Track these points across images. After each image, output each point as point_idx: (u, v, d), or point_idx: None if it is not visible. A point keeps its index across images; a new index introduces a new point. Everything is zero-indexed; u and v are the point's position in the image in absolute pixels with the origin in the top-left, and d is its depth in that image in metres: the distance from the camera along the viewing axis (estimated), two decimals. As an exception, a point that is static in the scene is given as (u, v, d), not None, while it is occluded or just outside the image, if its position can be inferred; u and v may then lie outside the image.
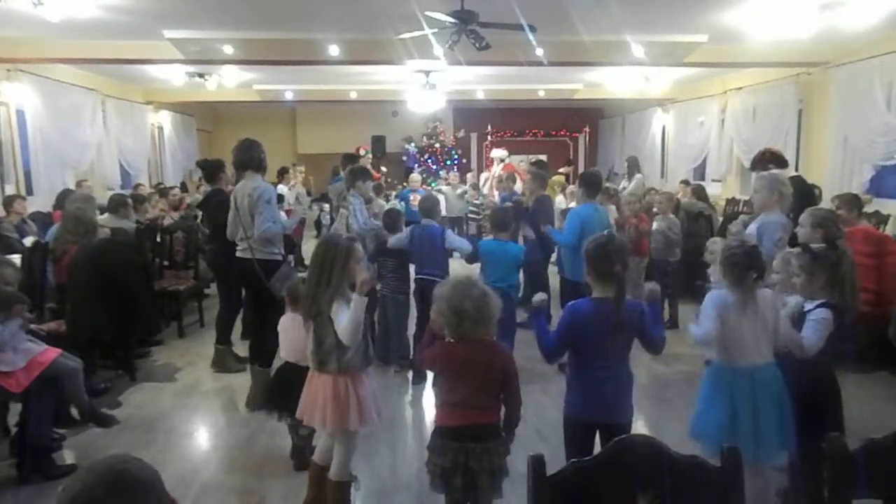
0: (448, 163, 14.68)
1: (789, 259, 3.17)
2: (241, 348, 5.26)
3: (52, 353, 3.70)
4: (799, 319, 2.90)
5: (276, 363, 3.85)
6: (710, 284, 4.27)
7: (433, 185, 11.71)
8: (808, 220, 3.75)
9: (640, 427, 3.99)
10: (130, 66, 8.75)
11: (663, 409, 4.41)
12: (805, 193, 4.85)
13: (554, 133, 15.73)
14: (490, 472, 2.46)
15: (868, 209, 6.90)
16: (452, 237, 5.15)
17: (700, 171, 11.64)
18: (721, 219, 7.84)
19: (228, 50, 7.28)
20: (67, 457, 3.75)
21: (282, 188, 8.94)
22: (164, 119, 12.52)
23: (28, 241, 5.83)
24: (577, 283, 4.40)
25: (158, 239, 6.47)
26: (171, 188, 10.25)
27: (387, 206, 6.73)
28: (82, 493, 1.18)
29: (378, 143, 14.58)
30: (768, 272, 3.13)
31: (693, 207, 7.54)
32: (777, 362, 2.81)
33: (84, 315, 4.51)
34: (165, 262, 6.39)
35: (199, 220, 7.44)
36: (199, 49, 7.22)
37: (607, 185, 5.83)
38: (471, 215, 10.01)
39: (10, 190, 7.50)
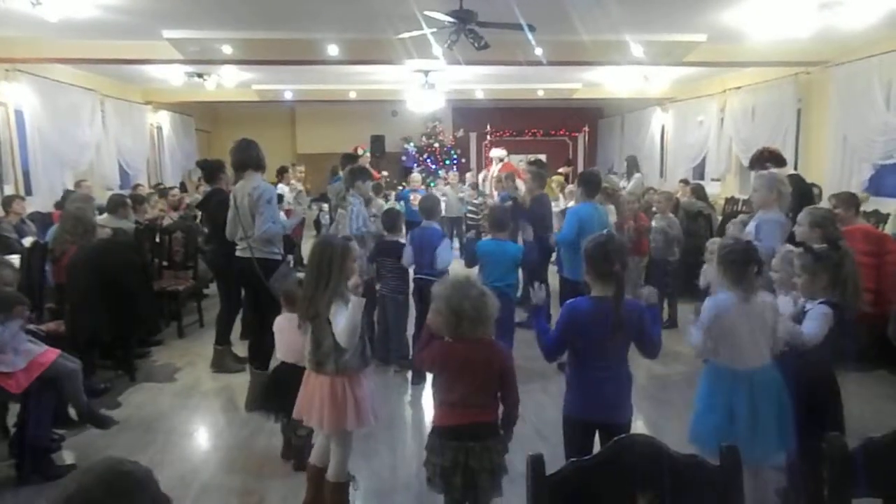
0: (447, 162, 14.66)
1: (790, 258, 3.16)
2: (241, 348, 5.26)
3: (52, 354, 3.70)
4: (800, 319, 2.89)
5: (273, 363, 3.84)
6: (699, 282, 4.27)
7: (432, 185, 11.67)
8: (806, 219, 3.74)
9: (639, 427, 3.98)
10: (129, 66, 8.75)
11: (663, 409, 4.40)
12: (804, 192, 4.85)
13: (553, 133, 15.72)
14: (490, 471, 2.47)
15: (867, 208, 6.91)
16: (445, 247, 4.95)
17: (699, 171, 11.66)
18: (720, 218, 7.83)
19: (227, 50, 7.27)
20: (67, 457, 3.74)
21: (282, 188, 8.92)
22: (163, 119, 12.51)
23: (27, 241, 5.83)
24: (576, 283, 4.40)
25: (158, 239, 6.46)
26: (171, 188, 10.25)
27: (386, 206, 6.72)
28: (79, 494, 1.18)
29: (377, 142, 14.55)
30: (766, 270, 3.13)
31: (692, 207, 7.54)
32: (777, 362, 2.79)
33: (83, 315, 4.51)
34: (165, 263, 6.38)
35: (198, 221, 7.44)
36: (198, 49, 7.21)
37: (606, 185, 5.80)
38: (470, 215, 9.97)
39: (8, 190, 7.50)
